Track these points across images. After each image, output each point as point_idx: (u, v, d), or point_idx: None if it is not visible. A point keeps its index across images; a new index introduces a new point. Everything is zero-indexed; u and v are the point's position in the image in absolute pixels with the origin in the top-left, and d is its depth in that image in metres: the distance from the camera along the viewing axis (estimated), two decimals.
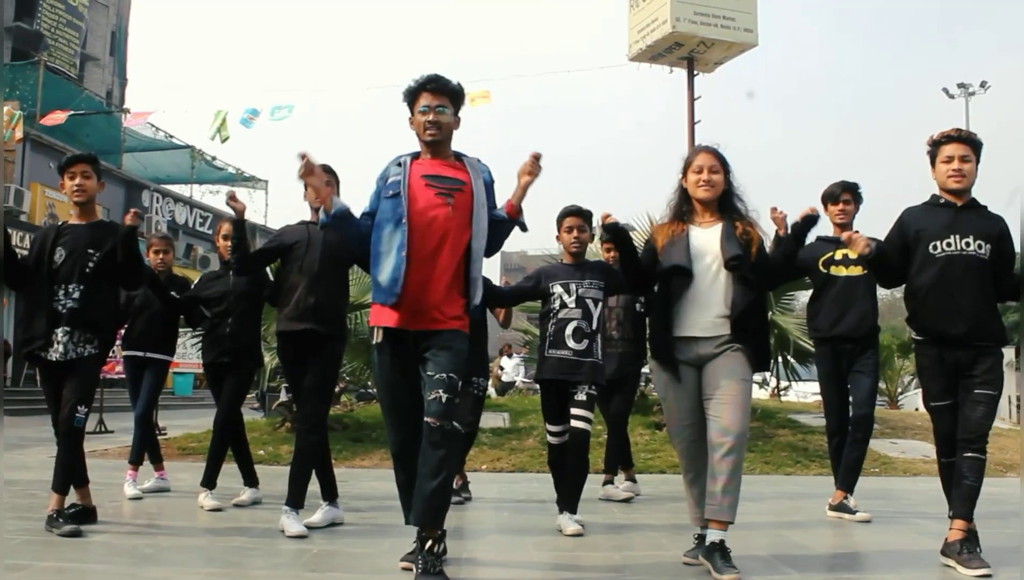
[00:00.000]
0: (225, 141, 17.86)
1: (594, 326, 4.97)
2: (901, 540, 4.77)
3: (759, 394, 11.68)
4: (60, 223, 4.80)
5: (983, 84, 31.88)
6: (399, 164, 3.82)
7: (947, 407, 4.04)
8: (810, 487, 6.54)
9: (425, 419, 3.54)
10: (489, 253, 3.90)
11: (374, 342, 3.75)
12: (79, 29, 32.61)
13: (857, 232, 4.31)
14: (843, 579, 3.76)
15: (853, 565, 4.09)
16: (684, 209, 4.13)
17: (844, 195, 5.51)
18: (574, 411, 4.87)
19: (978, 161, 4.18)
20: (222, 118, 17.71)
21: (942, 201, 4.20)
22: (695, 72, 17.81)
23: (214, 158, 31.06)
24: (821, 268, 5.45)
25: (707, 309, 3.93)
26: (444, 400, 3.54)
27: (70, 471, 4.54)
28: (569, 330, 4.94)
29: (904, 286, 4.28)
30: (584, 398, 4.88)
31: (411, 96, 3.85)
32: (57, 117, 19.62)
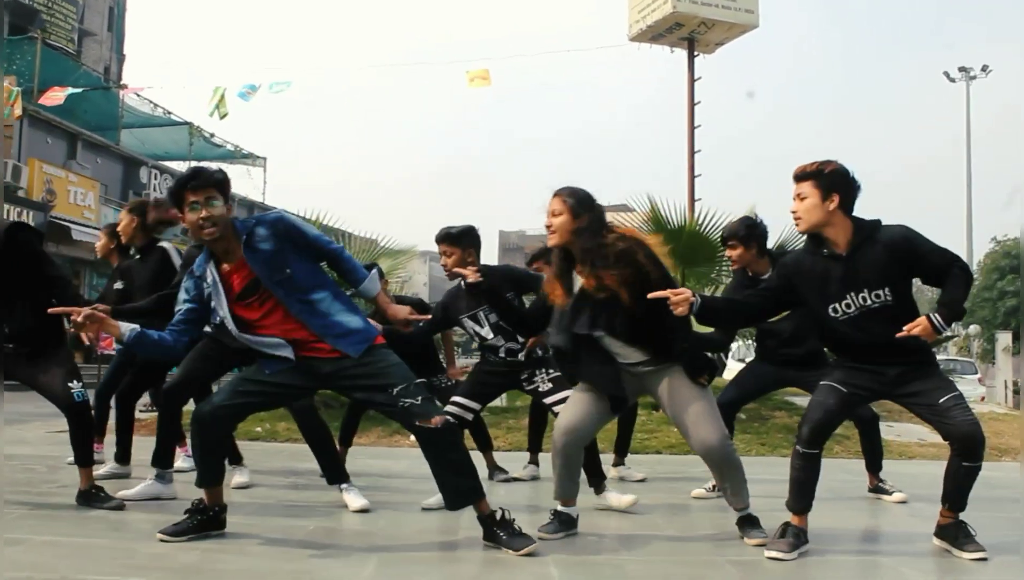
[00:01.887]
0: (224, 117, 17.83)
1: (520, 340, 4.94)
2: (894, 521, 4.80)
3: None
4: None
5: (984, 68, 31.82)
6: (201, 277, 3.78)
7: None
8: None
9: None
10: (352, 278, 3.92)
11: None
12: (76, 4, 32.42)
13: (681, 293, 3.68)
14: (836, 560, 3.78)
15: (846, 545, 4.11)
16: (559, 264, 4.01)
17: (731, 241, 5.13)
18: (553, 399, 4.85)
19: (829, 192, 3.68)
20: (220, 94, 17.66)
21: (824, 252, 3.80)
22: (695, 53, 17.77)
23: (212, 135, 30.96)
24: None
25: (621, 355, 3.98)
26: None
27: (90, 445, 4.56)
28: (502, 353, 4.99)
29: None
30: (551, 384, 4.89)
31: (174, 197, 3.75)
32: (56, 96, 19.53)
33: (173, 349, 3.79)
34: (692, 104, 17.37)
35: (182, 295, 3.82)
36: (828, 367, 4.33)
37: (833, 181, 3.70)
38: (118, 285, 5.72)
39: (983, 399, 17.58)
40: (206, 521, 3.85)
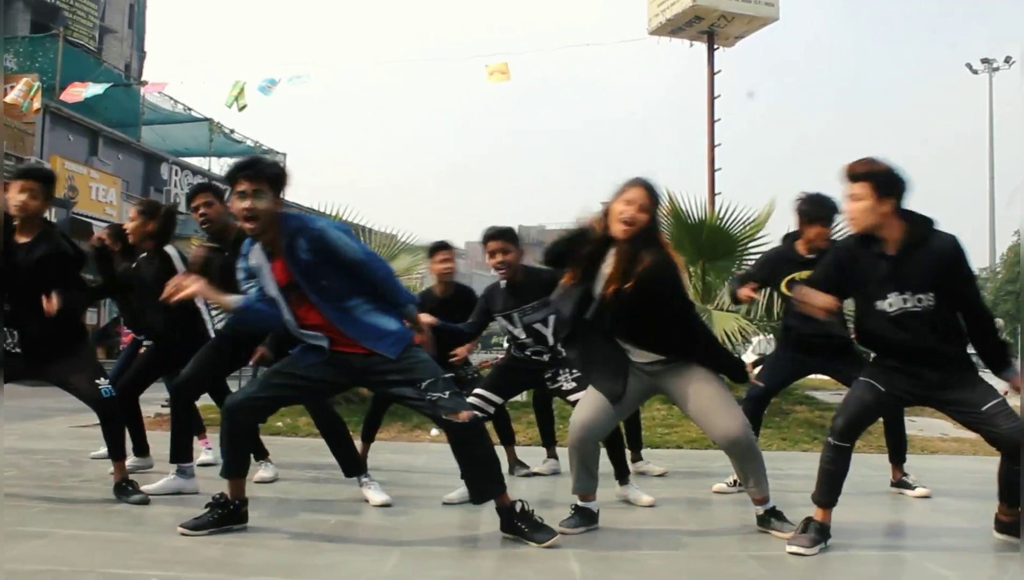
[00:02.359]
0: (242, 110, 17.90)
1: (551, 343, 5.01)
2: (917, 516, 4.77)
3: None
4: None
5: (1007, 59, 31.52)
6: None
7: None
8: None
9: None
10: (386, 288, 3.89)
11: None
12: (97, 1, 32.60)
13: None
14: (859, 555, 3.75)
15: (869, 540, 4.09)
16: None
17: (818, 221, 5.01)
18: (577, 397, 4.79)
19: (884, 193, 3.62)
20: (240, 87, 17.74)
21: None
22: (715, 46, 17.69)
23: (232, 131, 31.10)
24: (784, 290, 5.06)
25: (633, 354, 3.98)
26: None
27: (122, 439, 4.61)
28: (528, 352, 5.07)
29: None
30: (575, 383, 4.90)
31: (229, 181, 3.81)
32: (76, 92, 19.64)
33: (277, 318, 3.84)
34: (712, 98, 17.29)
35: (241, 276, 3.89)
36: (864, 364, 4.30)
37: (889, 183, 3.63)
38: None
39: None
40: (227, 515, 3.87)
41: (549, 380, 5.07)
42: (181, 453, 4.85)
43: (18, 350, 4.38)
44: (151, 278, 5.23)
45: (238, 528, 3.89)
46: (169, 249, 5.26)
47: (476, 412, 3.85)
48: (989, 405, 3.63)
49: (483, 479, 3.83)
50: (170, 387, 5.02)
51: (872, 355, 3.99)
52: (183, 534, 3.74)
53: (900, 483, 5.32)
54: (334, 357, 3.78)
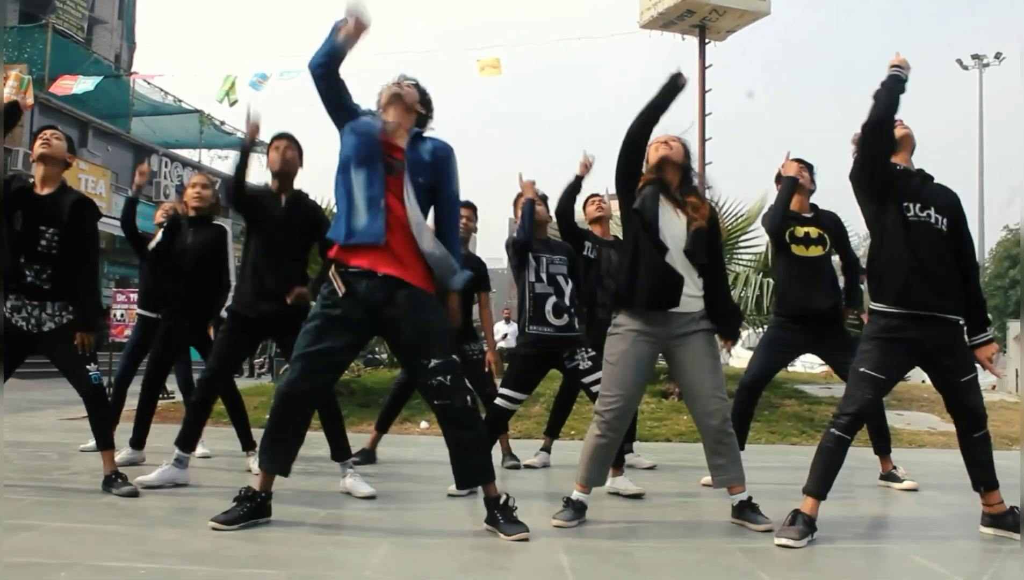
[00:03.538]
0: (234, 105, 17.84)
1: (567, 302, 5.20)
2: (904, 509, 4.80)
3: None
4: None
5: (998, 55, 31.56)
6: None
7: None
8: None
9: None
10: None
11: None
12: None
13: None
14: (846, 548, 3.78)
15: (856, 532, 4.11)
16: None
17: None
18: (591, 378, 5.02)
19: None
20: (231, 82, 17.68)
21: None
22: (707, 40, 17.70)
23: (223, 123, 30.95)
24: (787, 238, 5.27)
25: (685, 282, 4.04)
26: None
27: (109, 427, 4.64)
28: (548, 306, 5.19)
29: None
30: (591, 363, 5.08)
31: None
32: (67, 86, 19.51)
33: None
34: (703, 92, 17.30)
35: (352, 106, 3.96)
36: (853, 346, 4.37)
37: None
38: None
39: (994, 387, 17.50)
40: (255, 508, 3.85)
41: (567, 359, 5.19)
42: (187, 442, 4.88)
43: (48, 286, 4.43)
44: (203, 248, 5.34)
45: (263, 522, 3.88)
46: (223, 221, 5.40)
47: (468, 399, 3.83)
48: (965, 378, 3.91)
49: (470, 465, 3.84)
50: (197, 380, 5.09)
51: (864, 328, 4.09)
52: (214, 529, 3.71)
53: (888, 476, 5.36)
54: (362, 282, 3.75)
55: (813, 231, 5.28)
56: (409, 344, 3.82)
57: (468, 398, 3.81)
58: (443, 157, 3.91)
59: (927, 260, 3.86)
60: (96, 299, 4.68)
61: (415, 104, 3.98)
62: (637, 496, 4.72)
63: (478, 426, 3.88)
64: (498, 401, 5.21)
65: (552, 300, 5.19)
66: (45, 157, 4.53)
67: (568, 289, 5.25)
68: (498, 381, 5.56)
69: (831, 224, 5.38)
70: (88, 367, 4.50)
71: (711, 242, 4.08)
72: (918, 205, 3.93)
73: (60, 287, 4.46)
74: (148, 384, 5.53)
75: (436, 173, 3.88)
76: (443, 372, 3.74)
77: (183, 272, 5.41)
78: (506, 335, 18.83)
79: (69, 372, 4.50)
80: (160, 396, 5.73)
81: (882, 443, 5.39)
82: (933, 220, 3.92)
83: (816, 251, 5.25)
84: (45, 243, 4.42)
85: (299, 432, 3.86)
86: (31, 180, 4.55)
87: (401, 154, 3.82)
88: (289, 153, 4.90)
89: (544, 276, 5.23)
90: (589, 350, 5.15)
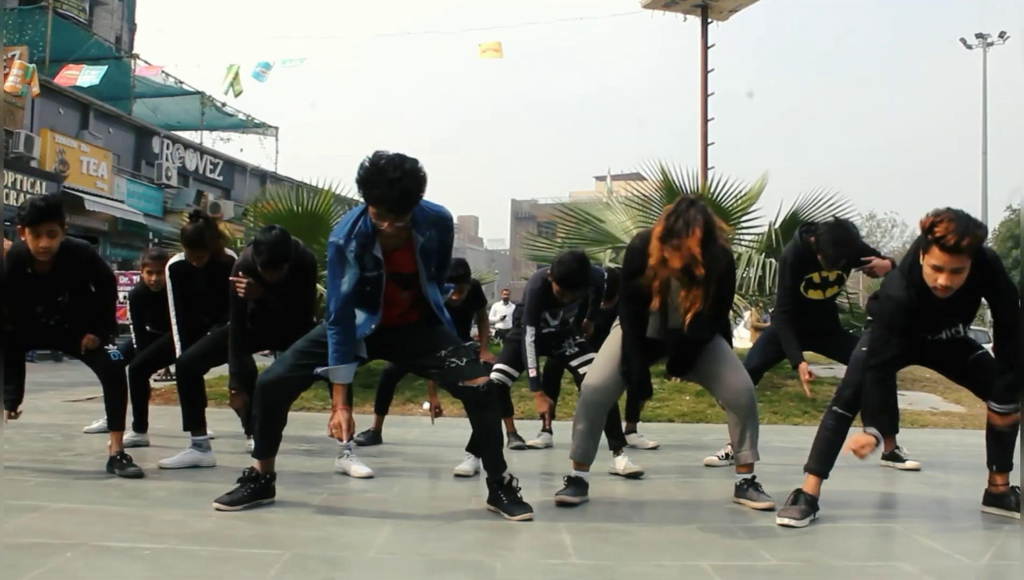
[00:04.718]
0: (239, 95, 17.85)
1: (570, 324, 5.38)
2: (907, 488, 4.81)
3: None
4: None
5: (1002, 35, 31.35)
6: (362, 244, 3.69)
7: None
8: None
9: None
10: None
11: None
12: None
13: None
14: (848, 527, 3.79)
15: (858, 512, 4.12)
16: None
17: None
18: (579, 361, 5.15)
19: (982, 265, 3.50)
20: (235, 72, 17.67)
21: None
22: (709, 20, 17.58)
23: (224, 105, 30.87)
24: (802, 289, 5.08)
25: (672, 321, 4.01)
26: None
27: (123, 408, 4.65)
28: (545, 331, 5.27)
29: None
30: (577, 348, 5.23)
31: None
32: (71, 77, 19.51)
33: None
34: (705, 72, 17.19)
35: (350, 256, 3.72)
36: (850, 337, 4.37)
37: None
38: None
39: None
40: (259, 489, 3.88)
41: (555, 347, 5.29)
42: (193, 424, 4.90)
43: (66, 325, 4.59)
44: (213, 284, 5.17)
45: (267, 502, 3.90)
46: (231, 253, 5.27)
47: (490, 378, 3.89)
48: (973, 355, 3.93)
49: (496, 447, 3.88)
50: (176, 362, 5.07)
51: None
52: (218, 510, 3.74)
53: (891, 456, 5.36)
54: (377, 334, 3.81)
55: (832, 274, 5.08)
56: (417, 351, 3.86)
57: (488, 377, 3.85)
58: (444, 229, 3.83)
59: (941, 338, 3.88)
60: (113, 325, 4.83)
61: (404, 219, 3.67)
62: (637, 475, 4.73)
63: (499, 409, 4.01)
64: (494, 375, 5.19)
65: (550, 329, 5.31)
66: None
67: (573, 317, 5.42)
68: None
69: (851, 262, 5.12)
70: (107, 347, 4.60)
71: (717, 305, 3.91)
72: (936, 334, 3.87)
73: (78, 327, 4.57)
74: (135, 371, 5.47)
75: (440, 242, 3.83)
76: (455, 356, 3.78)
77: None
78: (504, 317, 18.86)
79: (88, 352, 4.54)
80: (163, 377, 5.73)
81: (889, 421, 5.37)
82: (948, 335, 3.88)
83: (832, 291, 5.16)
84: (61, 300, 4.56)
85: (286, 415, 3.93)
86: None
87: (412, 264, 3.77)
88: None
89: (555, 323, 5.31)
90: (576, 338, 5.30)
